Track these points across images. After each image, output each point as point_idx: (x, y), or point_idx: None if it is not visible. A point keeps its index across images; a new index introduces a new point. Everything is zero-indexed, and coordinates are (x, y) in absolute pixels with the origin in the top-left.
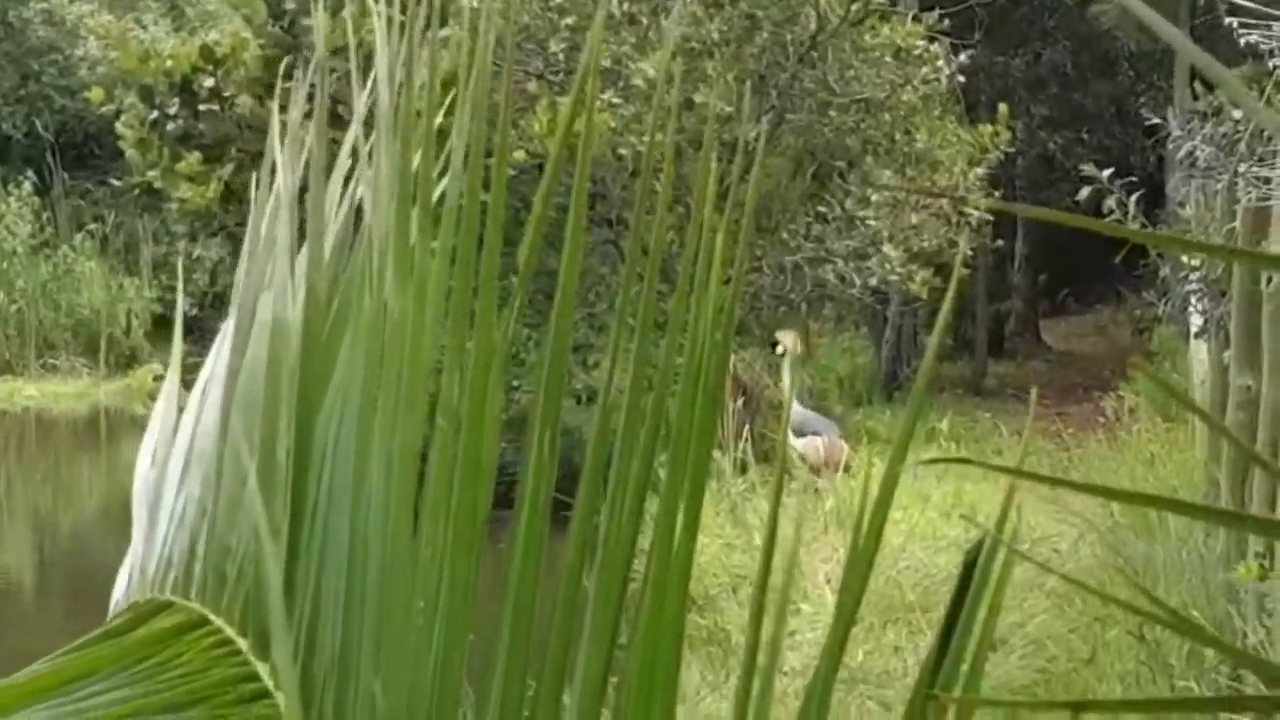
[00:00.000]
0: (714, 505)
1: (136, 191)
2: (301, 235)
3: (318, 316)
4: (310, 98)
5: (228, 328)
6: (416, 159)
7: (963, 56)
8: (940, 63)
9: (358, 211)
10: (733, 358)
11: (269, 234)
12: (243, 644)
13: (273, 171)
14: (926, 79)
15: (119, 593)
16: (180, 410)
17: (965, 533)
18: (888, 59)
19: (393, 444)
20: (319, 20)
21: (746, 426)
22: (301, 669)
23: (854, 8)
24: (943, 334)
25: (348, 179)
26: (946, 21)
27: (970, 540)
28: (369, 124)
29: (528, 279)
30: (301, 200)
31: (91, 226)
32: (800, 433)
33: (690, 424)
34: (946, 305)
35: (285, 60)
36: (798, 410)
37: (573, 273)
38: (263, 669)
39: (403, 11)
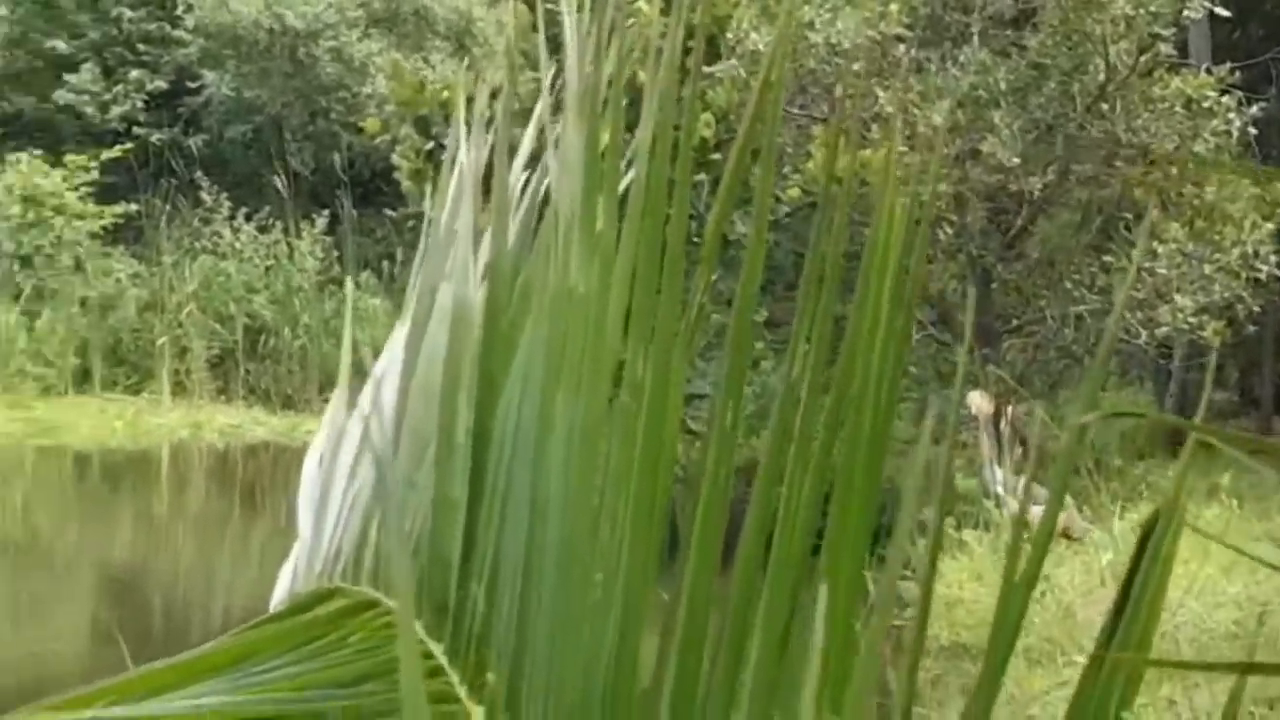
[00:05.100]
0: (990, 555)
1: (411, 224)
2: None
3: (501, 297)
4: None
5: (403, 321)
6: (605, 140)
7: (1255, 109)
8: (1231, 115)
9: (542, 194)
10: (1012, 409)
11: (449, 221)
12: (416, 623)
13: (454, 160)
14: (1216, 131)
15: (281, 591)
16: (349, 410)
17: (1245, 589)
18: (1177, 110)
19: (575, 421)
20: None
21: (1023, 478)
22: (476, 646)
23: (1143, 59)
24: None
25: (532, 161)
26: (1238, 74)
27: (1249, 597)
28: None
29: (715, 248)
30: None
31: (379, 264)
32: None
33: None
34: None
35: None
36: (1002, 476)
37: (749, 293)
38: (436, 648)
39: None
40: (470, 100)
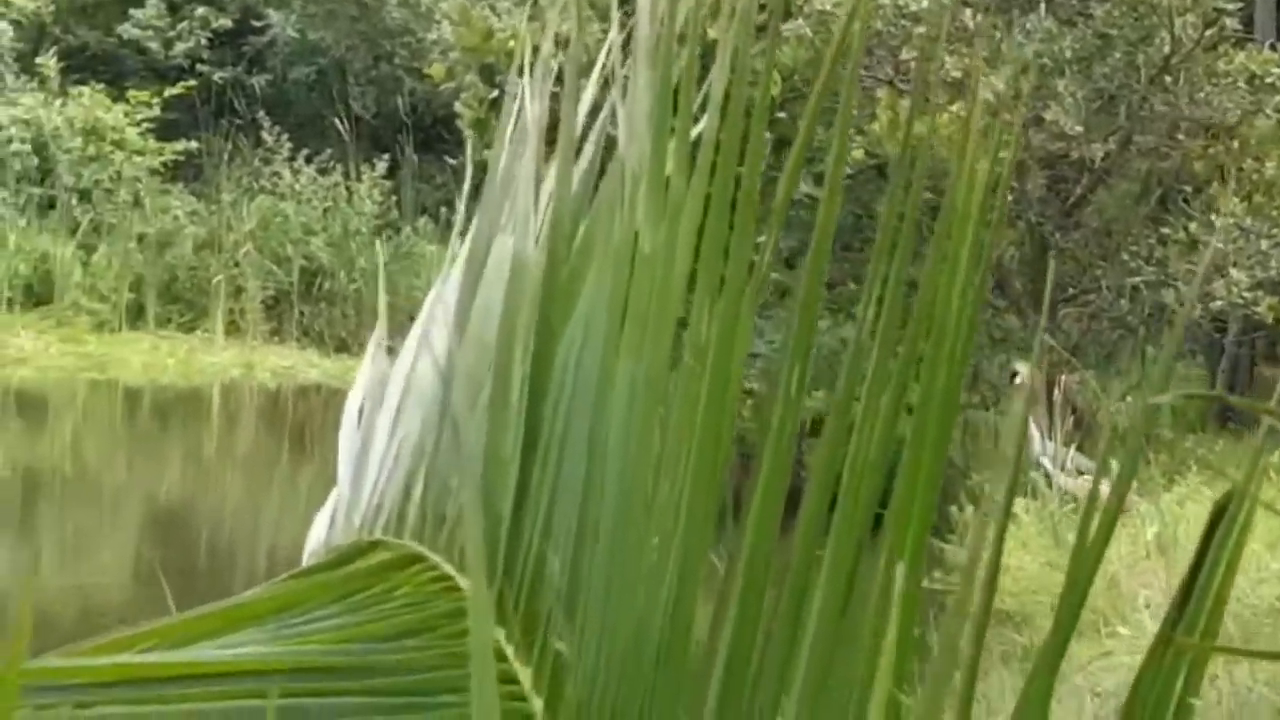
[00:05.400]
0: (1036, 524)
1: (470, 172)
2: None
3: (562, 248)
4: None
5: (450, 271)
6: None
7: None
8: None
9: (604, 144)
10: (1066, 377)
11: (507, 170)
12: (462, 581)
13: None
14: (1278, 107)
15: (315, 542)
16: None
17: None
18: (1240, 85)
19: (636, 377)
20: None
21: (1074, 447)
22: (527, 603)
23: (1209, 32)
24: None
25: (593, 111)
26: None
27: None
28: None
29: (784, 210)
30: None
31: (437, 210)
32: (1071, 471)
33: (927, 419)
34: None
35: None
36: (1050, 448)
37: (821, 258)
38: None
39: None
40: (535, 49)
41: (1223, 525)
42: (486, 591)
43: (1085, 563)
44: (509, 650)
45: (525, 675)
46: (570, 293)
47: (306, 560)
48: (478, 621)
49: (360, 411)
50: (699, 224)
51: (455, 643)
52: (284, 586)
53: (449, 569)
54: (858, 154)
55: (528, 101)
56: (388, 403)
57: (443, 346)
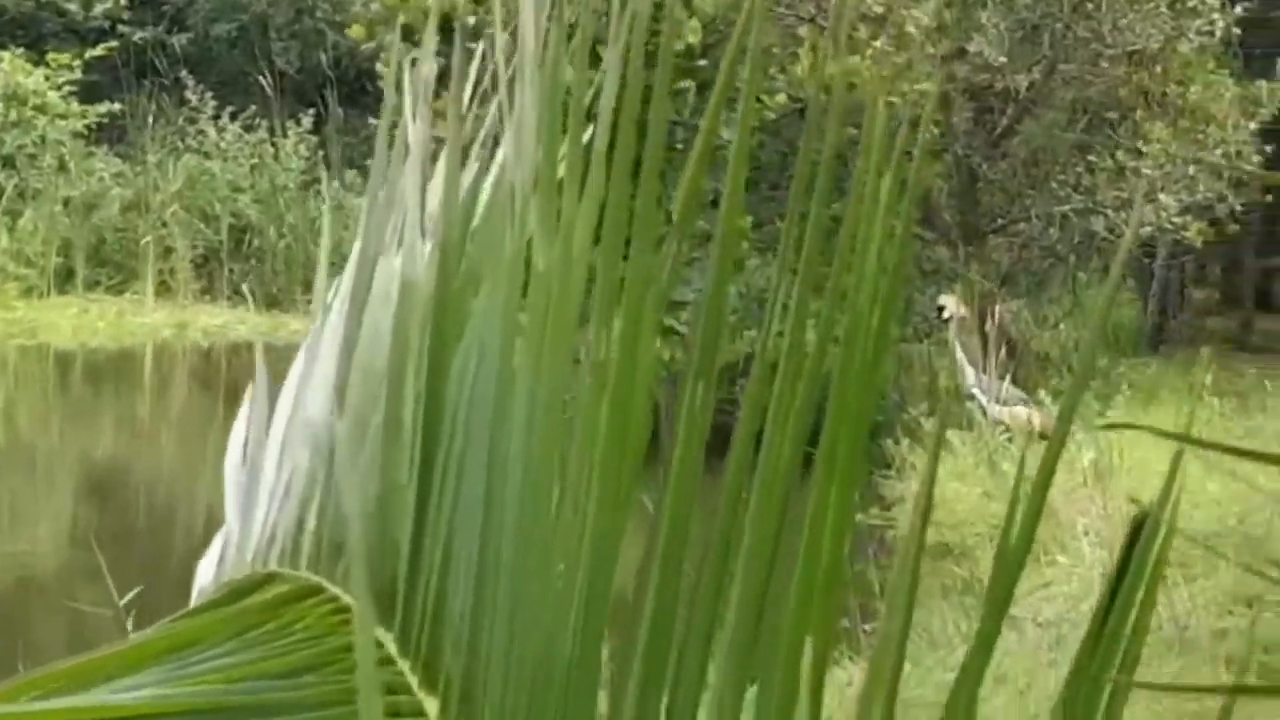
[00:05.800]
0: (973, 455)
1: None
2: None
3: (451, 264)
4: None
5: (336, 294)
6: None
7: (1239, 9)
8: (1216, 15)
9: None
10: (1000, 307)
11: (390, 186)
12: None
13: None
14: (1201, 31)
15: (205, 578)
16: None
17: (1223, 488)
18: (1162, 10)
19: (536, 398)
20: None
21: (1009, 377)
22: (430, 633)
23: None
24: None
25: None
26: None
27: (1229, 497)
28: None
29: (691, 214)
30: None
31: (364, 164)
32: (1004, 402)
33: (849, 382)
34: None
35: None
36: (983, 380)
37: (735, 207)
38: (385, 636)
39: None
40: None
41: (1140, 542)
42: (373, 627)
43: (1028, 511)
44: (413, 681)
45: (432, 706)
46: (460, 313)
47: (195, 600)
48: (364, 657)
49: (245, 444)
50: (593, 231)
51: (354, 677)
52: (180, 625)
53: (349, 600)
54: (780, 98)
55: (407, 107)
56: (274, 431)
57: (331, 369)
